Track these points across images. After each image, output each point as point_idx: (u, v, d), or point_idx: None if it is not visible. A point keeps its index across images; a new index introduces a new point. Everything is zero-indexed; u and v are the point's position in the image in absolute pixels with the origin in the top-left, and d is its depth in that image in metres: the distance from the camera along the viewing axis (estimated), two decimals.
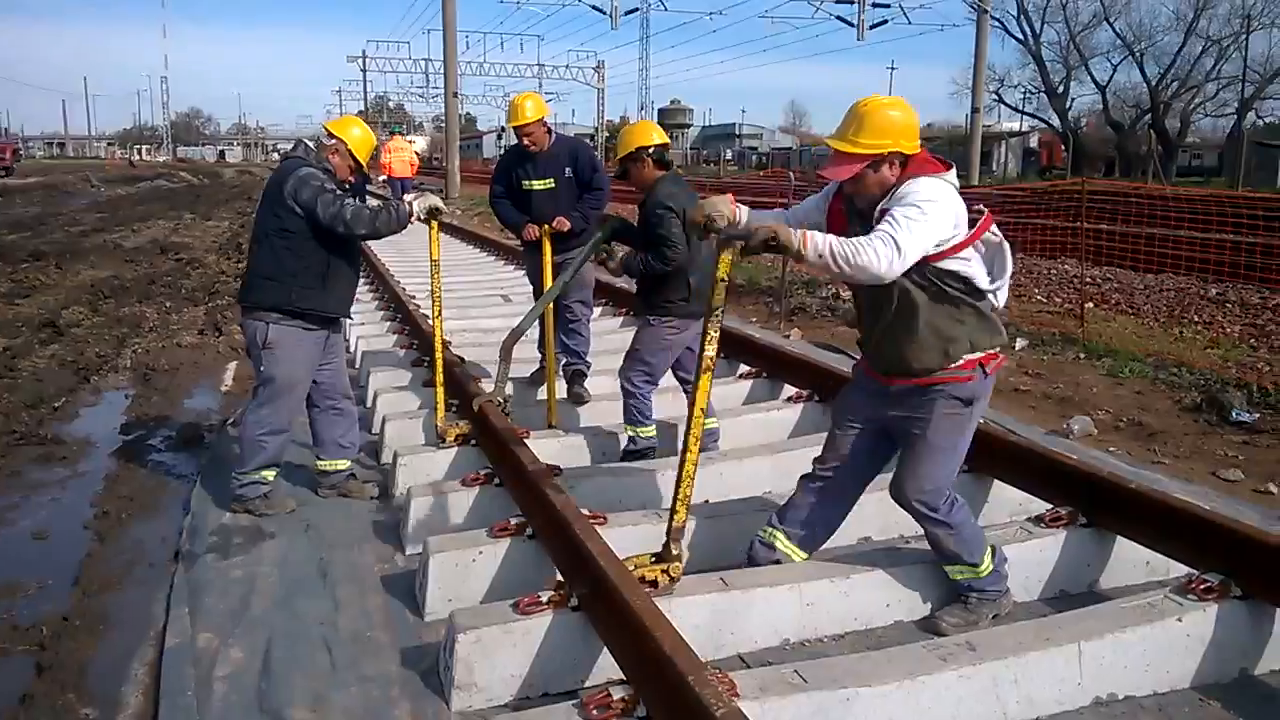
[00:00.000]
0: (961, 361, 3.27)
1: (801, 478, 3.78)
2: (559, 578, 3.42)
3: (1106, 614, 3.18)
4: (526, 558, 3.77)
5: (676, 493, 3.33)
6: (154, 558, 4.42)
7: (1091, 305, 9.57)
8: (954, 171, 3.31)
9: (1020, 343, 8.32)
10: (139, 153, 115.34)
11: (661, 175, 4.98)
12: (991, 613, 3.51)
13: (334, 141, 4.67)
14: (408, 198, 4.77)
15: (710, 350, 3.20)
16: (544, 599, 3.21)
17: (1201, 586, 3.23)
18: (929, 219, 3.08)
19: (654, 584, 3.28)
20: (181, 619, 3.71)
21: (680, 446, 3.35)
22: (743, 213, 3.43)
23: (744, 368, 6.68)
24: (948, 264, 3.20)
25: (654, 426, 5.16)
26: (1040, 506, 4.03)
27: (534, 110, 5.94)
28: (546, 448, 5.04)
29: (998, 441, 4.44)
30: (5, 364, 8.05)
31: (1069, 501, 3.89)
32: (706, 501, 4.49)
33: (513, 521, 3.85)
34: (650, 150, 4.94)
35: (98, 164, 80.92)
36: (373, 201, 4.86)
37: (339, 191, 4.54)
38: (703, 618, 3.30)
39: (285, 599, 3.87)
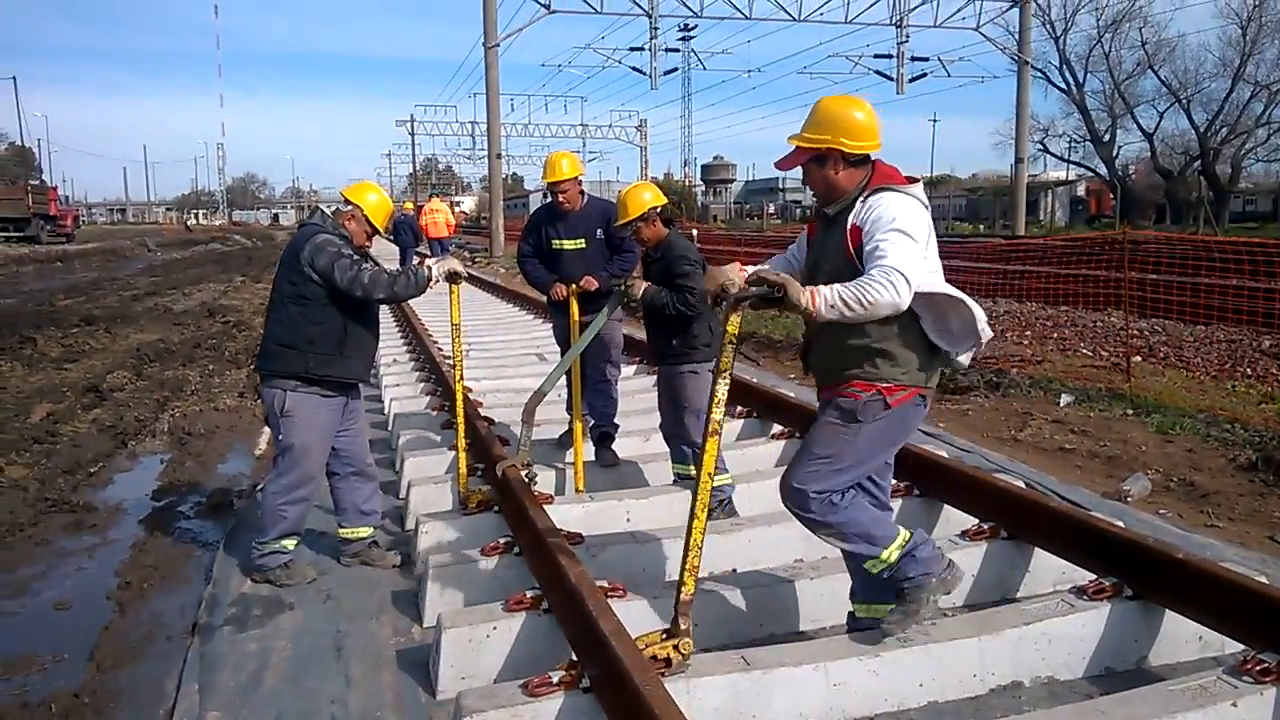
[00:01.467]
0: (857, 381, 3.26)
1: None
2: (572, 656, 3.28)
3: (1153, 698, 2.96)
4: (541, 633, 3.64)
5: (684, 563, 3.24)
6: (172, 629, 4.34)
7: (1139, 359, 9.28)
8: (920, 186, 3.30)
9: (1065, 399, 8.05)
10: (196, 217, 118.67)
11: (668, 232, 5.21)
12: (929, 597, 3.37)
13: (350, 208, 4.67)
14: (429, 261, 4.74)
15: (717, 414, 3.15)
16: (554, 680, 3.09)
17: (1258, 667, 3.01)
18: (911, 232, 3.10)
19: (667, 661, 3.15)
20: (190, 696, 3.62)
21: (688, 514, 3.23)
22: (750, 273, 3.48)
23: (777, 427, 6.52)
24: None
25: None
26: (1083, 576, 3.84)
27: (569, 168, 5.94)
28: (570, 514, 4.92)
29: (1037, 507, 4.24)
30: (47, 429, 8.14)
31: (1113, 572, 3.68)
32: (734, 571, 4.35)
33: (529, 595, 3.73)
34: (659, 209, 5.15)
35: (155, 229, 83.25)
36: (424, 261, 4.86)
37: (356, 256, 4.52)
38: (722, 700, 3.14)
39: (297, 675, 3.77)
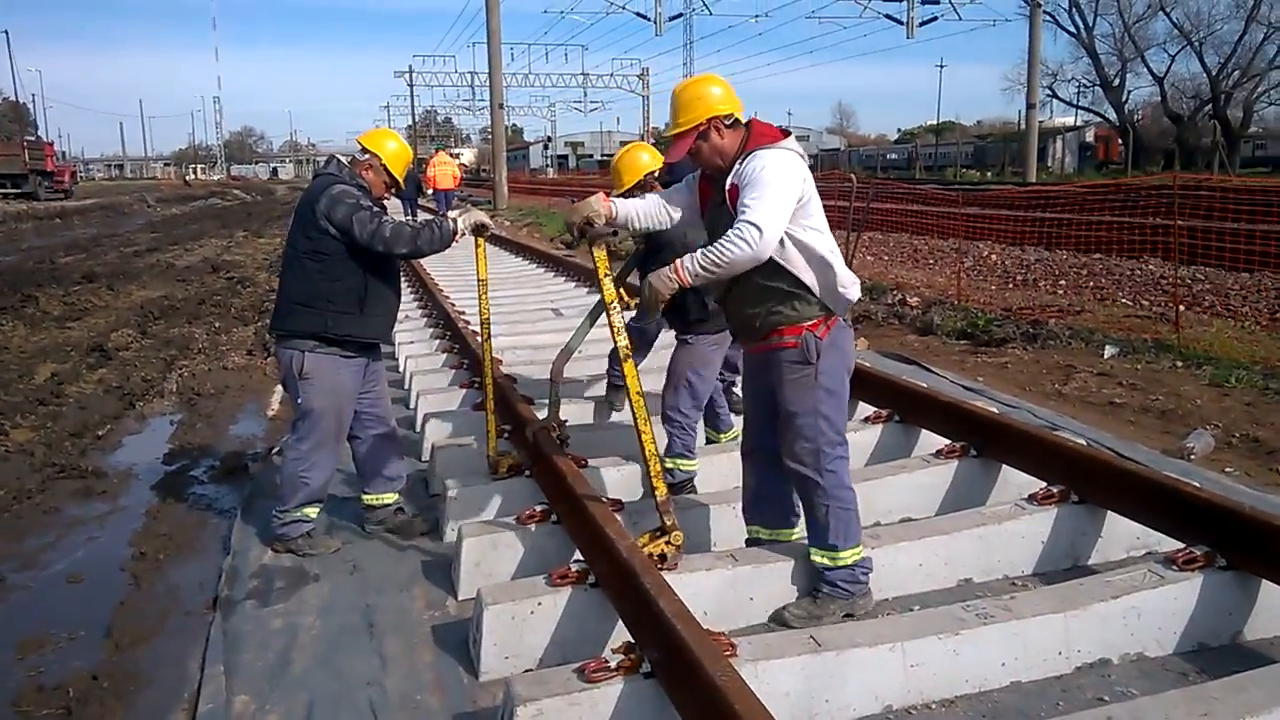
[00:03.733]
0: (786, 327, 3.44)
1: (741, 458, 3.97)
2: (628, 639, 3.04)
3: (1270, 683, 2.69)
4: (590, 609, 3.40)
5: (648, 470, 3.58)
6: (191, 604, 4.12)
7: (1183, 308, 8.94)
8: (793, 138, 3.48)
9: (1109, 350, 7.75)
10: (194, 172, 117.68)
11: None
12: (841, 611, 3.55)
13: (368, 156, 4.36)
14: (452, 214, 4.43)
15: (622, 340, 3.57)
16: (612, 664, 2.84)
17: None
18: (776, 187, 3.26)
19: (662, 558, 3.48)
20: (217, 679, 3.39)
21: (636, 430, 3.58)
22: (616, 206, 3.73)
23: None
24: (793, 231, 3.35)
25: (697, 460, 4.82)
26: (1159, 541, 3.60)
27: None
28: (606, 478, 4.69)
29: (1111, 468, 3.97)
30: (52, 390, 7.89)
31: (1201, 539, 3.42)
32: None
33: (573, 568, 3.48)
34: (655, 174, 4.73)
35: (153, 184, 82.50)
36: (423, 216, 4.52)
37: (375, 209, 4.21)
38: (793, 683, 2.90)
39: (328, 655, 3.54)
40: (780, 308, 3.43)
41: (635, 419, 3.55)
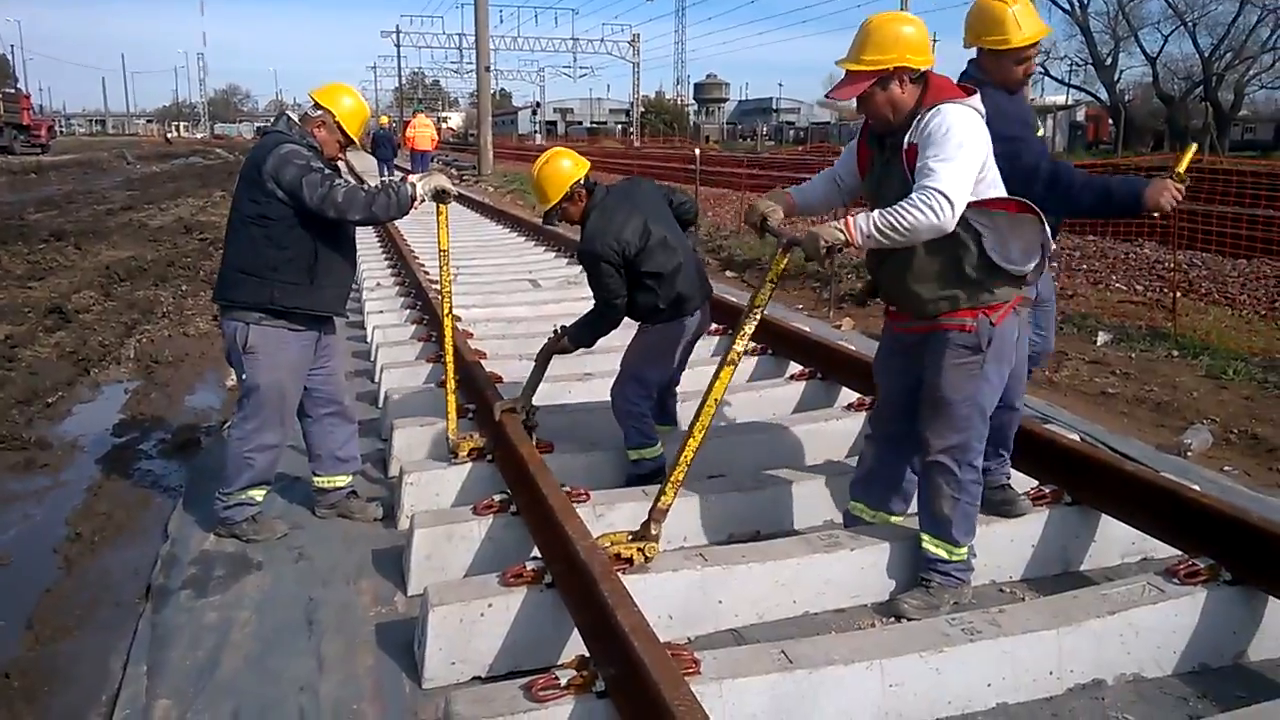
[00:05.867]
0: (963, 309, 3.19)
1: (865, 439, 3.81)
2: (583, 652, 2.78)
3: None
4: (545, 612, 3.13)
5: (669, 475, 3.36)
6: (123, 593, 3.84)
7: (1180, 295, 8.69)
8: (979, 97, 3.17)
9: (1102, 337, 7.50)
10: (177, 129, 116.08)
11: (588, 205, 4.35)
12: (952, 599, 3.42)
13: (320, 113, 4.02)
14: (412, 178, 4.12)
15: (739, 345, 3.27)
16: (562, 682, 2.59)
17: None
18: (964, 152, 2.99)
19: (629, 561, 3.24)
20: (139, 680, 3.14)
21: (686, 430, 3.36)
22: (795, 197, 3.60)
23: (795, 366, 5.99)
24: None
25: (660, 444, 4.49)
26: (1154, 546, 3.38)
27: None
28: (572, 464, 4.42)
29: (1109, 469, 3.72)
30: (4, 354, 7.56)
31: (1204, 550, 3.18)
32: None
33: (529, 567, 3.21)
34: (584, 181, 4.35)
35: (134, 141, 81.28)
36: (407, 177, 4.17)
37: (327, 171, 3.90)
38: (760, 704, 2.65)
39: (261, 655, 3.27)
40: (958, 289, 3.16)
41: (695, 423, 3.32)
